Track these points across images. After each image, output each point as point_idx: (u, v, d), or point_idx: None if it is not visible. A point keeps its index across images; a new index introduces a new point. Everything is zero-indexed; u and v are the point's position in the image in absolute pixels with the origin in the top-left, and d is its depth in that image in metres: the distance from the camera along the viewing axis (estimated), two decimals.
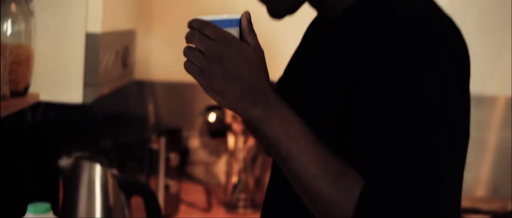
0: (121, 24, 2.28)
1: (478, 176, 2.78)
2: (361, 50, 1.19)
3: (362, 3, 1.29)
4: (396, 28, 1.17)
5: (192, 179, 2.89)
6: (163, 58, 2.74)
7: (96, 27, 1.98)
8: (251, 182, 2.65)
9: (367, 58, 1.17)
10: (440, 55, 1.16)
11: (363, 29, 1.22)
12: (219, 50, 1.17)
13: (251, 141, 2.59)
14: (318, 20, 1.48)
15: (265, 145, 1.23)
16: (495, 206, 2.67)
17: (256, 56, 1.20)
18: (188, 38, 1.20)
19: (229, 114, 2.62)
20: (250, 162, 2.64)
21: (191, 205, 2.67)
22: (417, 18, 1.19)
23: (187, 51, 1.20)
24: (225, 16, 1.22)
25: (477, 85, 2.69)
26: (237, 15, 1.23)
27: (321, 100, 1.27)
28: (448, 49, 1.18)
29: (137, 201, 2.05)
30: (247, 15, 1.22)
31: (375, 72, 1.16)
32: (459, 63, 1.20)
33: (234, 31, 1.21)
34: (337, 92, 1.23)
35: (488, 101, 2.77)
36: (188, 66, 1.20)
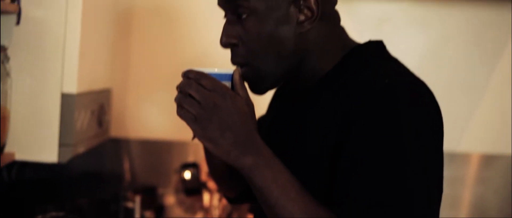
0: (97, 83, 2.30)
1: None
2: (341, 115, 1.24)
3: (337, 70, 1.34)
4: (375, 93, 1.22)
5: None
6: (138, 116, 2.76)
7: (72, 88, 2.00)
8: None
9: (349, 122, 1.23)
10: (416, 117, 1.21)
11: (346, 97, 1.26)
12: (215, 100, 1.21)
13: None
14: (288, 87, 1.50)
15: (254, 192, 1.26)
16: None
17: (248, 108, 1.26)
18: (185, 87, 1.24)
19: (204, 172, 2.63)
20: None
21: None
22: (394, 82, 1.24)
23: (182, 99, 1.24)
24: (216, 70, 1.27)
25: (450, 143, 2.74)
26: (229, 70, 1.29)
27: (306, 162, 1.31)
28: (422, 111, 1.23)
29: None
30: (239, 71, 1.29)
31: (356, 134, 1.21)
32: (433, 124, 1.25)
33: (227, 84, 1.27)
34: (323, 154, 1.28)
35: (461, 158, 2.80)
36: (182, 113, 1.24)
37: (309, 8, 1.30)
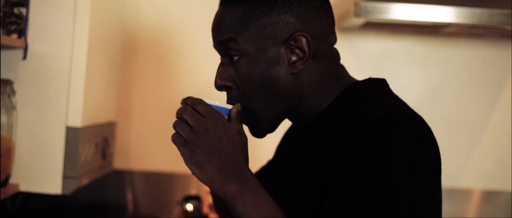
0: (101, 116, 2.33)
1: None
2: (335, 149, 1.22)
3: (334, 106, 1.33)
4: (368, 128, 1.20)
5: None
6: (142, 148, 2.78)
7: (77, 122, 2.03)
8: None
9: (339, 153, 1.21)
10: (407, 148, 1.18)
11: (337, 131, 1.25)
12: (206, 125, 1.23)
13: None
14: (293, 126, 1.52)
15: None
16: None
17: (240, 138, 1.27)
18: (180, 112, 1.26)
19: (206, 204, 2.65)
20: None
21: None
22: (386, 113, 1.22)
23: (176, 124, 1.26)
24: (216, 103, 1.29)
25: (451, 178, 2.77)
26: (228, 105, 1.31)
27: (298, 198, 1.30)
28: (414, 142, 1.20)
29: None
30: (239, 107, 1.30)
31: (346, 165, 1.19)
32: (427, 155, 1.21)
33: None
34: (313, 189, 1.26)
35: (462, 194, 2.82)
36: (174, 138, 1.26)
37: (301, 49, 1.29)
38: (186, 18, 2.74)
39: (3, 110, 1.92)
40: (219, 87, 1.34)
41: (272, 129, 1.36)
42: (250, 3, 1.29)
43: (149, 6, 2.73)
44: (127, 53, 2.68)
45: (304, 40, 1.28)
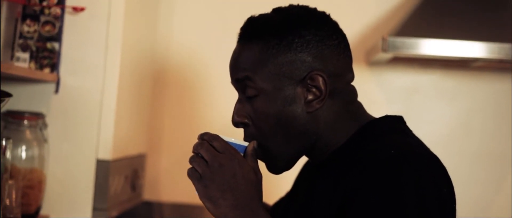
0: (131, 149, 2.36)
1: None
2: (349, 187, 1.22)
3: (349, 144, 1.32)
4: (379, 163, 1.20)
5: None
6: (172, 180, 2.80)
7: (107, 154, 2.06)
8: None
9: (352, 190, 1.20)
10: (420, 189, 1.17)
11: (352, 168, 1.24)
12: (221, 161, 1.24)
13: None
14: (309, 162, 1.52)
15: None
16: None
17: (255, 176, 1.27)
18: (196, 147, 1.26)
19: None
20: None
21: None
22: (400, 153, 1.22)
23: (192, 159, 1.26)
24: (233, 140, 1.29)
25: (479, 212, 2.76)
26: (245, 142, 1.31)
27: None
28: (428, 183, 1.19)
29: None
30: (255, 144, 1.30)
31: (358, 202, 1.18)
32: (440, 196, 1.21)
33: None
34: None
35: None
36: (190, 172, 1.26)
37: (317, 88, 1.28)
38: (216, 51, 2.76)
39: (35, 143, 1.95)
40: (236, 124, 1.35)
41: (289, 166, 1.35)
42: (268, 41, 1.30)
43: (179, 40, 2.77)
44: (157, 86, 2.72)
45: (320, 79, 1.28)
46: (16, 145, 1.90)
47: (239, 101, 1.35)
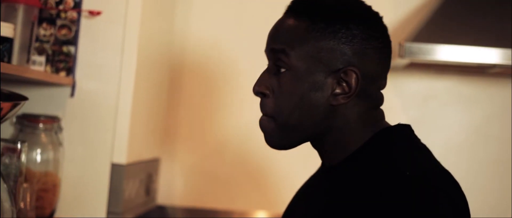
0: (146, 153, 2.36)
1: None
2: (359, 203, 1.19)
3: (361, 154, 1.29)
4: (394, 185, 1.18)
5: None
6: (186, 185, 2.80)
7: (122, 159, 2.06)
8: None
9: (364, 209, 1.17)
10: (438, 205, 1.16)
11: (362, 182, 1.22)
12: None
13: None
14: (320, 168, 1.50)
15: None
16: None
17: None
18: None
19: None
20: None
21: None
22: (414, 173, 1.19)
23: None
24: None
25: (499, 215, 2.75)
26: None
27: None
28: (445, 200, 1.17)
29: None
30: None
31: None
32: (457, 211, 1.19)
33: None
34: None
35: None
36: None
37: (348, 84, 1.25)
38: (233, 56, 2.77)
39: (50, 146, 1.95)
40: (256, 92, 1.32)
41: (287, 146, 1.33)
42: (315, 23, 1.26)
43: (195, 44, 2.77)
44: (173, 91, 2.72)
45: (354, 76, 1.25)
46: (31, 148, 1.91)
47: (266, 71, 1.32)
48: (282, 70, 1.28)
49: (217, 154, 2.73)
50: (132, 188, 2.18)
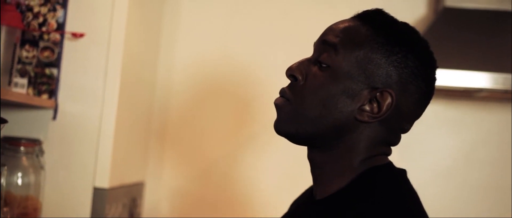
0: (129, 177, 2.34)
1: None
2: None
3: (355, 188, 1.26)
4: None
5: None
6: (171, 209, 2.77)
7: (104, 183, 2.04)
8: None
9: None
10: None
11: None
12: None
13: None
14: (306, 194, 1.47)
15: None
16: None
17: None
18: None
19: None
20: None
21: None
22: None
23: None
24: None
25: None
26: None
27: None
28: None
29: None
30: None
31: None
32: None
33: None
34: None
35: None
36: None
37: (379, 105, 1.22)
38: (218, 78, 2.75)
39: (31, 170, 1.93)
40: (289, 74, 1.28)
41: (290, 135, 1.30)
42: (377, 34, 1.24)
43: (181, 64, 2.75)
44: (157, 114, 2.69)
45: (388, 100, 1.22)
46: (12, 172, 1.88)
47: (307, 59, 1.29)
48: (324, 65, 1.25)
49: (203, 177, 2.71)
50: (115, 213, 2.15)
